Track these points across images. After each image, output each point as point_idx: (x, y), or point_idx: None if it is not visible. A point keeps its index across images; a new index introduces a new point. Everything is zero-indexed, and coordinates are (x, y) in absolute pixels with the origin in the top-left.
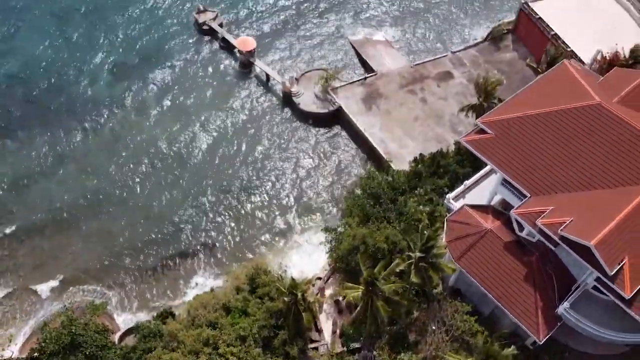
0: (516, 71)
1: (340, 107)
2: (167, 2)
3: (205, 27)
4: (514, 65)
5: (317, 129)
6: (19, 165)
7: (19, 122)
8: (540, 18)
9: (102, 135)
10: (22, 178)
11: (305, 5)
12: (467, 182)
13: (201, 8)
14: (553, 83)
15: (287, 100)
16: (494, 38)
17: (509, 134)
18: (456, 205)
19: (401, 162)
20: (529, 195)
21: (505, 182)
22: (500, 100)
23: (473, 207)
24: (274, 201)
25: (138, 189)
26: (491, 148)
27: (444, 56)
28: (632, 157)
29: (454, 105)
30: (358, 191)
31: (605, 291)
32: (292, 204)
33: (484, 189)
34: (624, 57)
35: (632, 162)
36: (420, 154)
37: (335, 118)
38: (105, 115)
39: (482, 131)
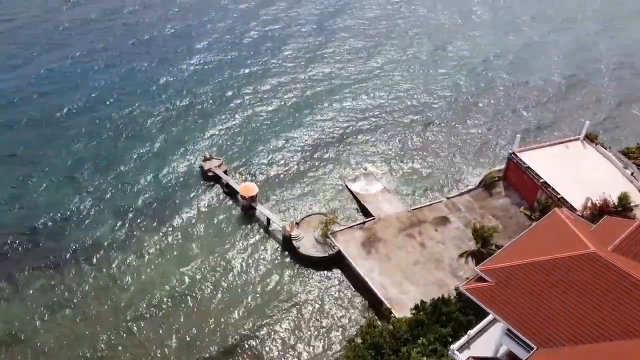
0: (510, 216)
1: (340, 251)
2: (175, 151)
3: (210, 174)
4: (507, 211)
5: (316, 272)
6: (12, 311)
7: (17, 266)
8: (528, 167)
9: (101, 279)
10: (15, 326)
11: (306, 153)
12: (471, 332)
13: (207, 156)
14: (547, 231)
15: (288, 243)
16: (486, 185)
17: (509, 282)
18: (461, 358)
19: (402, 308)
20: (535, 347)
21: (509, 333)
22: (497, 247)
23: None
24: (272, 353)
25: (135, 337)
26: (492, 297)
27: (440, 201)
28: (631, 306)
29: (452, 249)
30: (358, 340)
31: None
32: (290, 354)
33: (490, 337)
34: (613, 204)
35: (632, 311)
36: (422, 301)
37: (335, 262)
38: (105, 259)
39: (482, 279)
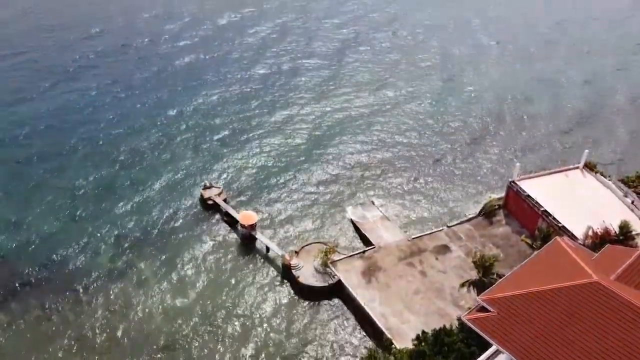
0: (511, 245)
1: (340, 280)
2: (175, 180)
3: (210, 202)
4: (508, 239)
5: (316, 302)
6: (7, 342)
7: (13, 297)
8: (528, 195)
9: (98, 311)
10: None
11: (306, 181)
12: None
13: (207, 184)
14: (549, 260)
15: (287, 273)
16: (487, 213)
17: (512, 312)
18: None
19: (403, 338)
20: None
21: None
22: (499, 276)
23: None
24: None
25: None
26: (495, 327)
27: (440, 230)
28: (635, 336)
29: (453, 278)
30: None
31: None
32: None
33: None
34: (615, 233)
35: (637, 341)
36: (423, 331)
37: (335, 291)
38: (102, 289)
39: (484, 309)
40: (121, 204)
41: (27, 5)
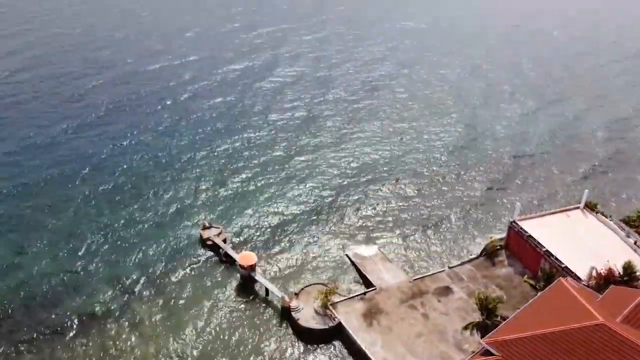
0: (514, 286)
1: (340, 322)
2: (175, 220)
3: (209, 242)
4: (511, 280)
5: (316, 346)
6: None
7: (7, 338)
8: (530, 236)
9: (93, 353)
10: None
11: (306, 222)
12: None
13: (207, 225)
14: (553, 301)
15: (286, 315)
16: (488, 254)
17: (517, 356)
18: None
19: None
20: None
21: None
22: (503, 318)
23: None
24: None
25: None
26: None
27: (442, 271)
28: None
29: (456, 320)
30: None
31: None
32: None
33: None
34: (619, 274)
35: None
36: None
37: (336, 334)
38: (98, 331)
39: (488, 352)
40: (119, 244)
41: (39, 53)
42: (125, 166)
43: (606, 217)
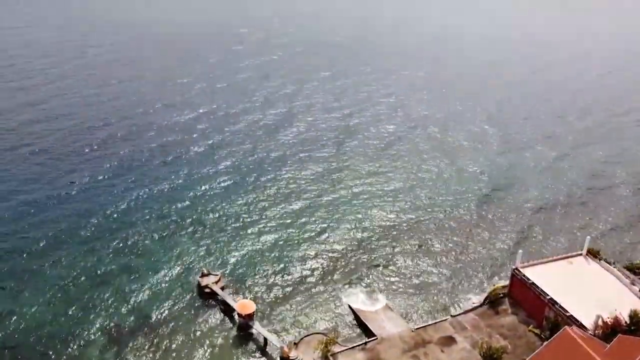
0: (519, 336)
1: None
2: (172, 267)
3: (207, 290)
4: (516, 329)
5: None
6: None
7: None
8: (533, 283)
9: None
10: None
11: (305, 269)
12: None
13: (205, 272)
14: (560, 352)
15: None
16: (491, 302)
17: None
18: None
19: None
20: None
21: None
22: None
23: None
24: None
25: None
26: None
27: (445, 320)
28: None
29: None
30: None
31: None
32: None
33: None
34: (625, 322)
35: None
36: None
37: None
38: None
39: None
40: (116, 292)
41: (35, 98)
42: (122, 213)
43: (609, 263)
